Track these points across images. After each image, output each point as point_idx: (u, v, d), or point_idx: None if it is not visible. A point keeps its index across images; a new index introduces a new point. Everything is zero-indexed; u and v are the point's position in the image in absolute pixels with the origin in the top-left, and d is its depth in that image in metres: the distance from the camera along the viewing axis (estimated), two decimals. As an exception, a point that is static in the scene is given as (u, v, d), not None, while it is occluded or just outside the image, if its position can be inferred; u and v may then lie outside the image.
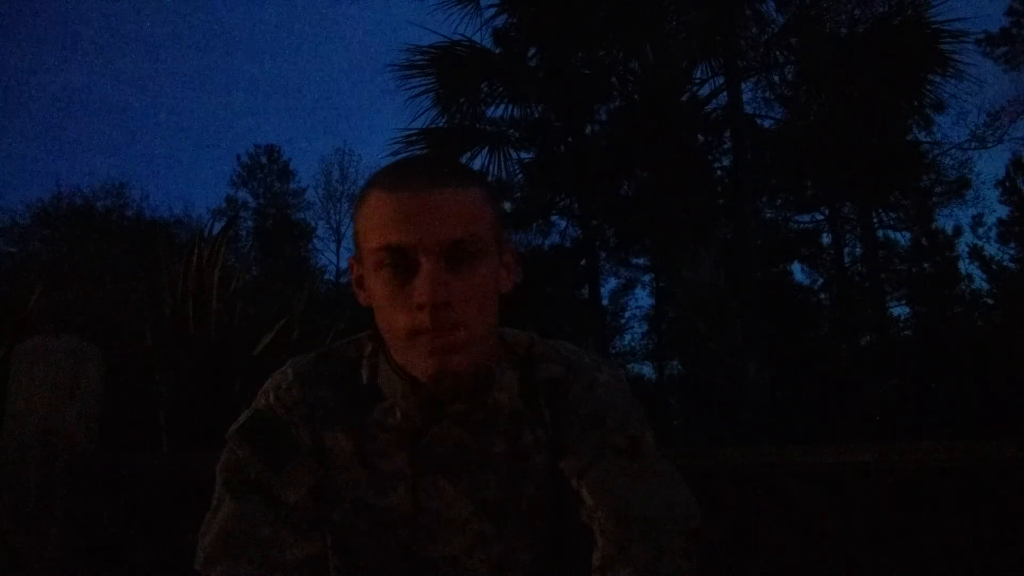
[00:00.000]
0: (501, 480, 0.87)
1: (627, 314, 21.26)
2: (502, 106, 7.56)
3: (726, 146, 10.05)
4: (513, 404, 0.88)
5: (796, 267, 17.64)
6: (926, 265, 17.56)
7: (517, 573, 0.88)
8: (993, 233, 18.03)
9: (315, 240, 24.66)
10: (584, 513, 0.82)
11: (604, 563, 0.78)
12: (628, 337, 21.27)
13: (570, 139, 8.44)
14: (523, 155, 8.15)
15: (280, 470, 0.84)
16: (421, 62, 7.09)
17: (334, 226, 24.43)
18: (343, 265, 23.89)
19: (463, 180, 0.79)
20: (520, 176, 8.27)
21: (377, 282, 0.79)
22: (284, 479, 0.84)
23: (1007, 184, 17.72)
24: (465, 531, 0.87)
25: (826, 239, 17.43)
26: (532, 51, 7.79)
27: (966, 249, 17.15)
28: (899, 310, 17.26)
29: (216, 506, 0.84)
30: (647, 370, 20.22)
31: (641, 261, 18.45)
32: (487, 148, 7.40)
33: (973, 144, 16.90)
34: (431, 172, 0.78)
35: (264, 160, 25.41)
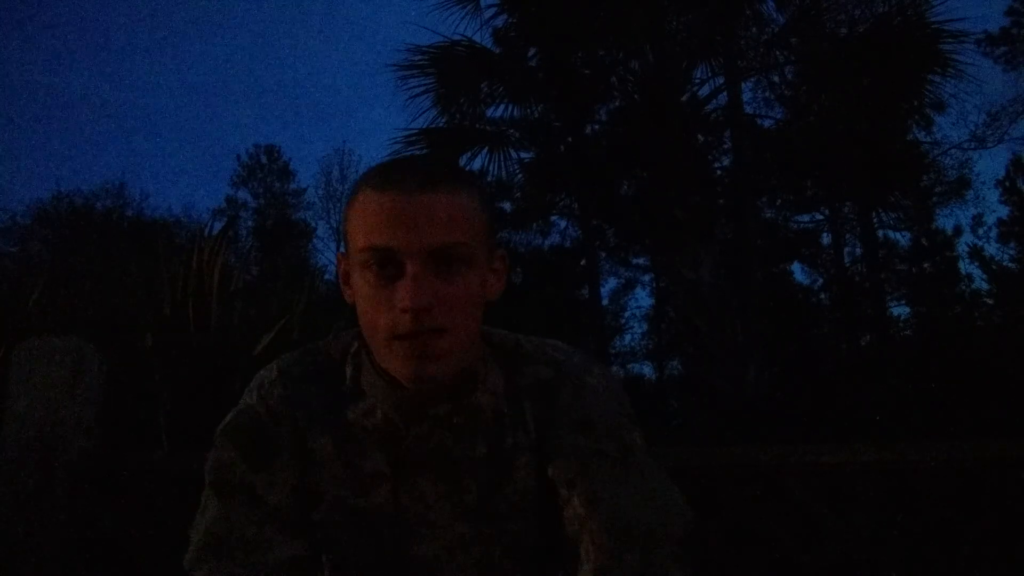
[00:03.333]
0: (481, 483, 0.86)
1: (627, 314, 21.25)
2: (502, 106, 7.56)
3: (726, 146, 10.04)
4: (496, 406, 0.87)
5: (796, 267, 17.64)
6: (926, 265, 17.54)
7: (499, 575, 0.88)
8: (993, 233, 18.03)
9: (315, 240, 24.65)
10: (575, 522, 0.81)
11: (596, 573, 0.77)
12: (628, 337, 21.25)
13: (570, 139, 8.43)
14: (523, 155, 8.14)
15: (263, 470, 0.84)
16: (421, 62, 7.08)
17: (334, 226, 24.40)
18: (343, 265, 23.86)
19: (455, 183, 0.77)
20: (520, 176, 8.26)
21: (362, 281, 0.77)
22: (267, 479, 0.84)
23: (1007, 184, 17.70)
24: (446, 532, 0.87)
25: (826, 239, 17.42)
26: (532, 51, 7.79)
27: (966, 249, 17.12)
28: (899, 310, 17.23)
29: (204, 505, 0.85)
30: (647, 370, 20.20)
31: (641, 261, 18.42)
32: (487, 148, 7.39)
33: (973, 144, 16.92)
34: (423, 173, 0.76)
35: (264, 160, 25.40)
